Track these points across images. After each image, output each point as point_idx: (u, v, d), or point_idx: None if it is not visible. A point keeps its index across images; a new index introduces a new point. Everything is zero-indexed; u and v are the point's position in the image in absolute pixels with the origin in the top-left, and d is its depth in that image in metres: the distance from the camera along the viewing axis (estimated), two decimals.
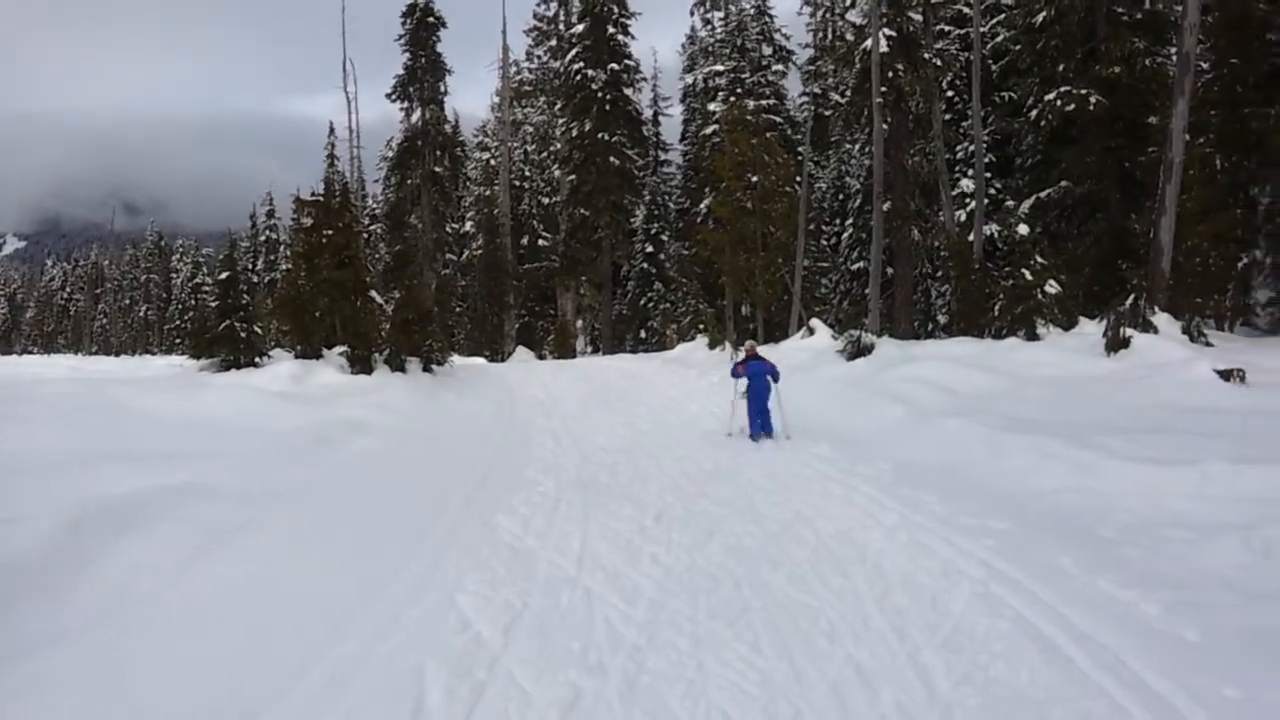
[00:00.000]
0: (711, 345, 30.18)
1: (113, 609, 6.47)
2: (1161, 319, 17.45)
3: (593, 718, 5.14)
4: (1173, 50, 23.79)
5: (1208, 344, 16.73)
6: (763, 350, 23.49)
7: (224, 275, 21.18)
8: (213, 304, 22.97)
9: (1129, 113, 25.69)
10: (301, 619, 6.43)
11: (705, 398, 19.00)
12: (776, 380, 14.94)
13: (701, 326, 33.12)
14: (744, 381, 15.11)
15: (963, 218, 30.95)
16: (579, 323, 53.16)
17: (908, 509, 9.05)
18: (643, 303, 48.80)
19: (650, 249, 48.84)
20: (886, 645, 5.91)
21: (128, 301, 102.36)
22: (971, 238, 27.57)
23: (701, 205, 42.94)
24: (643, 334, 48.78)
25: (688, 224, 45.82)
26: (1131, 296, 18.14)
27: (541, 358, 43.04)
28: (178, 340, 75.10)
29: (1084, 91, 25.68)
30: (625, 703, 5.28)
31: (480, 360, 38.39)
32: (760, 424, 14.49)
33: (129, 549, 7.32)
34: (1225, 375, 13.64)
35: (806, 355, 23.00)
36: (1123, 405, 13.09)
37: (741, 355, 15.95)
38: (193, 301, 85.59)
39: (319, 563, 7.72)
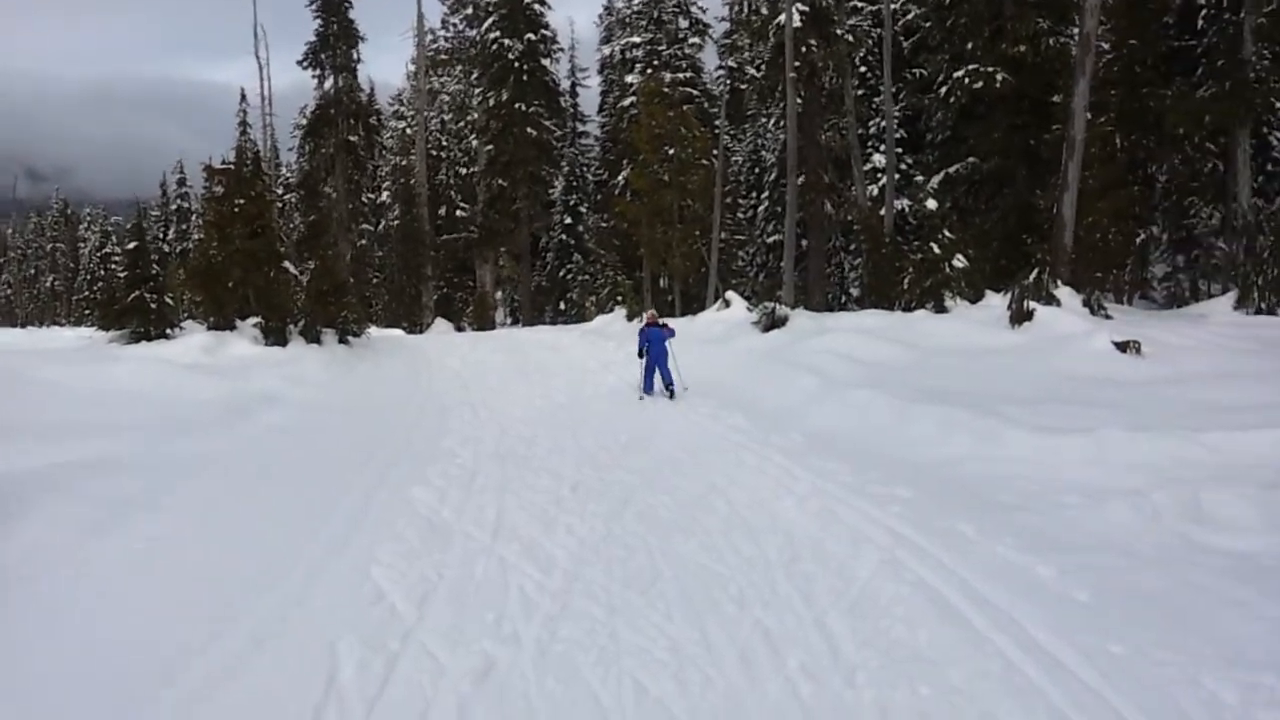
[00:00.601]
0: (630, 317, 30.21)
1: (2, 589, 6.28)
2: (1064, 292, 17.90)
3: (506, 686, 5.15)
4: (1075, 30, 24.31)
5: (1107, 316, 17.22)
6: (680, 322, 23.69)
7: (133, 245, 20.62)
8: (122, 274, 22.36)
9: (1034, 91, 26.20)
10: (208, 592, 6.32)
11: (623, 369, 19.03)
12: (672, 336, 16.64)
13: (620, 298, 33.14)
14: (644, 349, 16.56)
15: (874, 192, 31.34)
16: (498, 294, 52.78)
17: (818, 478, 9.20)
18: (562, 274, 48.67)
19: (569, 220, 48.68)
20: (794, 611, 6.01)
21: (33, 271, 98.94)
22: (883, 212, 27.98)
23: (619, 177, 42.84)
24: (562, 305, 48.68)
25: (606, 196, 45.75)
26: (1035, 270, 18.57)
27: (460, 329, 42.68)
28: (86, 311, 72.88)
29: (991, 69, 26.10)
30: (539, 671, 5.31)
31: (398, 332, 37.88)
32: (652, 382, 16.19)
33: (28, 525, 7.10)
34: (1122, 347, 14.07)
35: (722, 327, 23.16)
36: (1026, 376, 13.45)
37: (644, 324, 17.15)
38: (101, 271, 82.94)
39: (228, 535, 7.59)
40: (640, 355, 16.52)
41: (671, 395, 15.63)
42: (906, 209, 30.17)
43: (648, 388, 16.13)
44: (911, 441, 10.54)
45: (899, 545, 7.08)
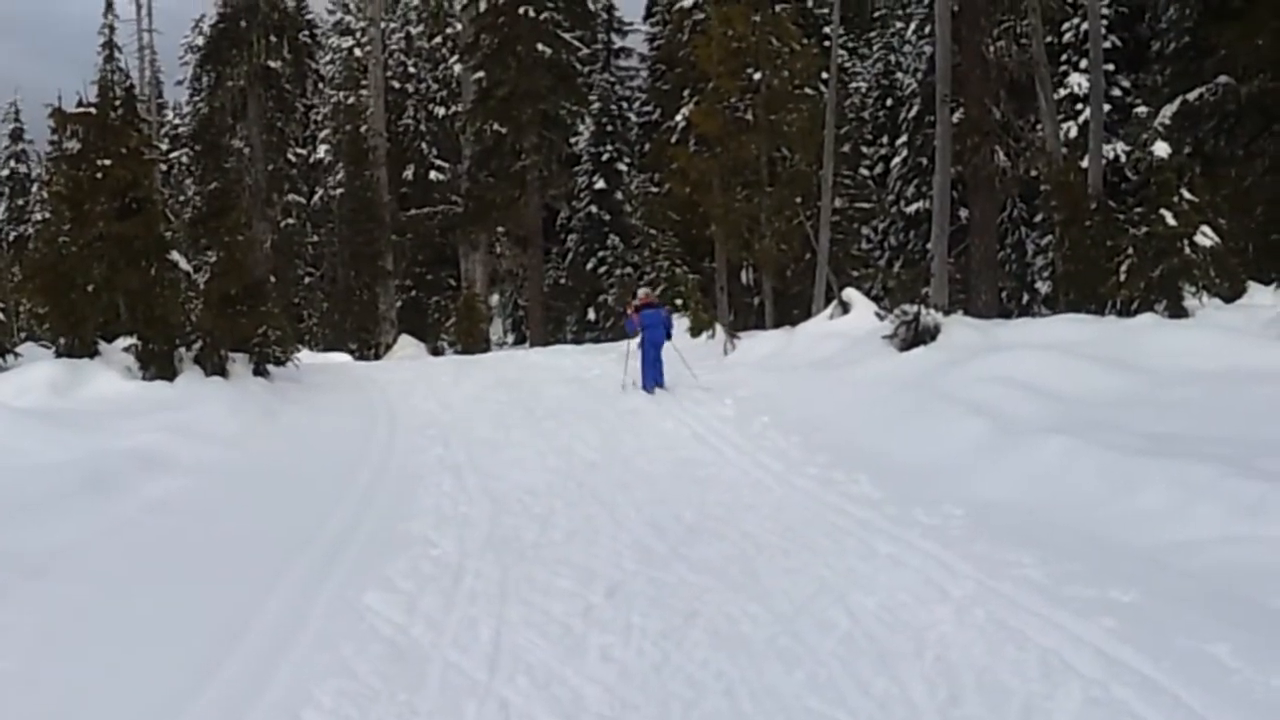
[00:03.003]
0: (695, 330, 30.25)
1: None
2: None
3: None
4: None
5: None
6: (777, 334, 24.08)
7: None
8: None
9: None
10: None
11: (686, 411, 19.05)
12: (669, 331, 22.62)
13: (679, 302, 33.14)
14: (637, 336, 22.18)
15: (1073, 133, 31.15)
16: (494, 299, 53.11)
17: (988, 574, 9.14)
18: (591, 266, 48.80)
19: (601, 184, 48.90)
20: None
21: None
22: (1085, 163, 27.75)
23: (677, 117, 42.94)
24: (591, 315, 48.79)
25: (657, 146, 45.79)
26: None
27: (437, 352, 43.05)
28: None
29: None
30: None
31: (342, 356, 38.28)
32: (654, 376, 21.71)
33: None
34: None
35: (838, 344, 23.09)
36: None
37: (637, 304, 23.02)
38: None
39: (79, 669, 7.67)
40: (630, 330, 22.47)
41: (659, 386, 21.54)
42: (1122, 157, 29.93)
43: (647, 382, 21.63)
44: (1132, 516, 10.43)
45: (1115, 677, 7.00)
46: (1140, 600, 8.26)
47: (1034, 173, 32.75)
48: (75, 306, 20.11)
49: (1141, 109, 30.31)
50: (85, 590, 9.34)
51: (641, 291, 25.05)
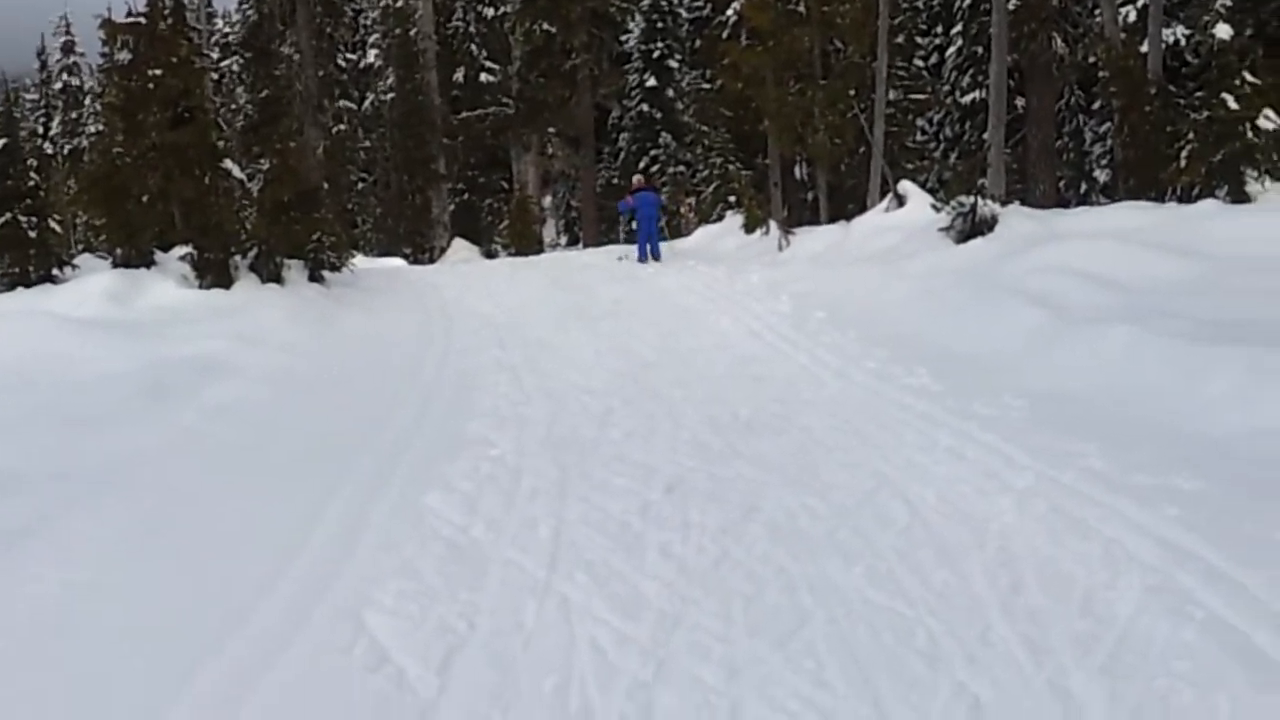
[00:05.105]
0: (749, 227, 30.09)
1: None
2: None
3: None
4: None
5: None
6: (832, 229, 24.10)
7: None
8: None
9: None
10: (128, 663, 6.47)
11: (742, 308, 18.98)
12: (662, 208, 28.75)
13: (733, 199, 32.96)
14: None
15: (1131, 17, 30.62)
16: (546, 200, 53.04)
17: (1049, 465, 9.08)
18: (643, 165, 48.57)
19: (652, 82, 48.49)
20: (1016, 670, 5.96)
21: None
22: (1144, 48, 27.31)
23: (728, 11, 42.56)
24: None
25: (708, 42, 45.39)
26: None
27: (490, 254, 43.04)
28: None
29: None
30: None
31: (397, 261, 38.43)
32: (650, 249, 26.89)
33: None
34: None
35: (895, 237, 22.92)
36: None
37: (633, 188, 28.51)
38: None
39: (152, 576, 7.76)
40: (623, 209, 28.17)
41: (655, 259, 26.64)
42: (1183, 41, 29.40)
43: (641, 254, 26.65)
44: (1198, 404, 10.31)
45: (1179, 565, 6.95)
46: (1205, 488, 8.19)
47: (1092, 59, 32.28)
48: (131, 217, 20.20)
49: None
50: (151, 499, 9.43)
51: (636, 178, 30.68)
